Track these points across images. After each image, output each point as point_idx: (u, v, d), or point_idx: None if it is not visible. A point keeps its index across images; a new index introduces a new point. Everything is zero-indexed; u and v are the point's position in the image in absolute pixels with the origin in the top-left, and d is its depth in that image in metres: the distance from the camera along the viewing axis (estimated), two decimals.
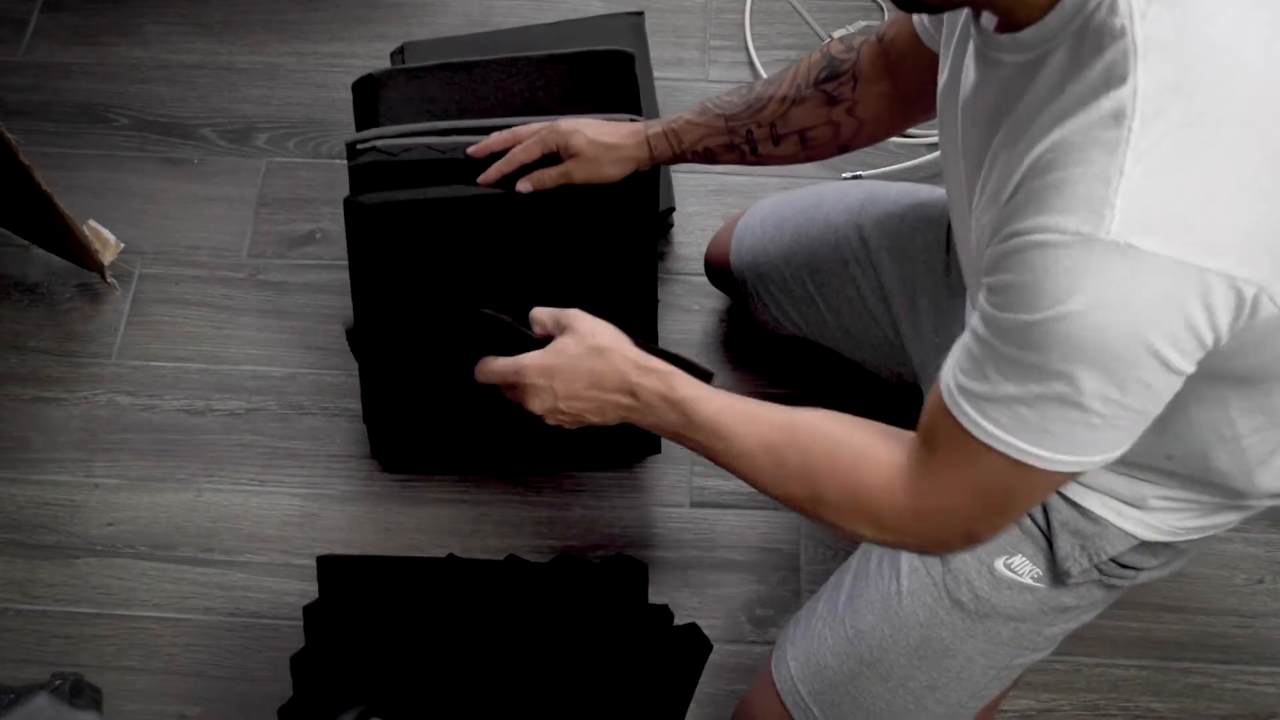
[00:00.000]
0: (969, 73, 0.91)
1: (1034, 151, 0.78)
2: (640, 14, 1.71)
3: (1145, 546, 1.08)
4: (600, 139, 1.20)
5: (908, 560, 1.14)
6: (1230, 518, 1.07)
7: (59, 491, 1.51)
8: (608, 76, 1.36)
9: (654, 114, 1.64)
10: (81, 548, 1.47)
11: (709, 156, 1.23)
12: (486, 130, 1.25)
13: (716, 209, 1.70)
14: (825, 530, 1.48)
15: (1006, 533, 1.07)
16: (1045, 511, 1.09)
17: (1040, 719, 1.38)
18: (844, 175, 1.70)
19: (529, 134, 1.21)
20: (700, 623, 1.25)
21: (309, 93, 1.81)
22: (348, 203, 1.24)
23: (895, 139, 1.71)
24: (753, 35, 1.85)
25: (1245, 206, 0.74)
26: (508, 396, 1.03)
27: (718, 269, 1.52)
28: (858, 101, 1.18)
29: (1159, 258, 0.73)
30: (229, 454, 1.53)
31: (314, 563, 1.24)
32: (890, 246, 1.31)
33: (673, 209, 1.64)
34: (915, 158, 1.74)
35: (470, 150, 1.23)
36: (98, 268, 1.62)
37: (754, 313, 1.49)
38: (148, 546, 1.48)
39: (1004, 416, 0.81)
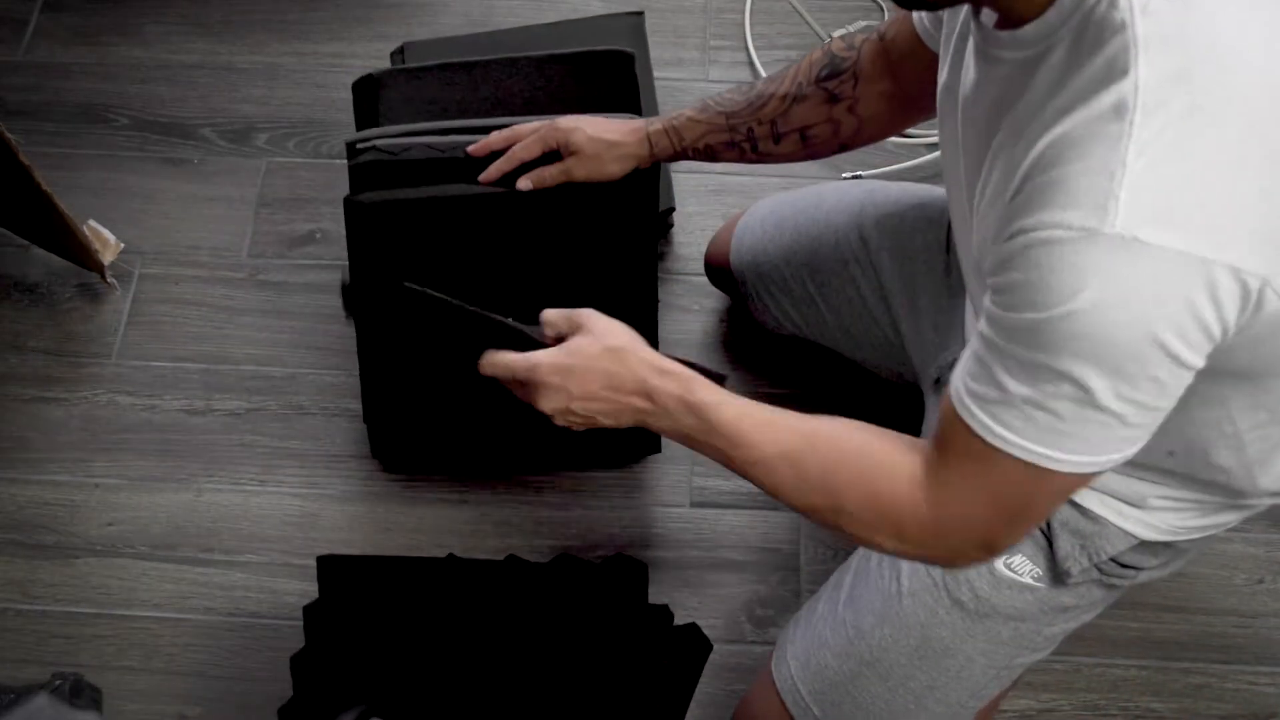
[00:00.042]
0: (969, 71, 0.91)
1: (1036, 148, 0.78)
2: (640, 14, 1.71)
3: (1145, 546, 1.08)
4: (601, 136, 1.20)
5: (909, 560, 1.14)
6: (1230, 517, 1.07)
7: (59, 491, 1.51)
8: (608, 76, 1.36)
9: (654, 114, 1.64)
10: (81, 548, 1.47)
11: (710, 154, 1.23)
12: (486, 129, 1.25)
13: (716, 209, 1.70)
14: (825, 530, 1.48)
15: None
16: None
17: (1040, 719, 1.38)
18: (844, 175, 1.70)
19: (529, 132, 1.21)
20: (700, 623, 1.25)
21: (309, 93, 1.82)
22: (348, 202, 1.24)
23: (895, 139, 1.71)
24: (753, 35, 1.85)
25: (1248, 198, 0.74)
26: (516, 394, 1.01)
27: (718, 269, 1.52)
28: (858, 100, 1.18)
29: (1165, 250, 0.72)
30: (229, 454, 1.53)
31: (314, 563, 1.24)
32: (890, 246, 1.31)
33: (673, 209, 1.64)
34: (915, 158, 1.74)
35: (470, 149, 1.23)
36: (98, 268, 1.62)
37: (754, 313, 1.49)
38: (148, 546, 1.48)
39: (1016, 420, 0.81)
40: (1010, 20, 0.82)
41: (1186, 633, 1.42)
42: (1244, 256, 0.73)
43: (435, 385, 1.39)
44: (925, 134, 1.74)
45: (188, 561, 1.47)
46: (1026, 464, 0.82)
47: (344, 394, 1.57)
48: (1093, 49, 0.76)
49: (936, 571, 1.12)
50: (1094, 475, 0.83)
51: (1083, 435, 0.80)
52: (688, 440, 0.96)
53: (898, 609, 1.13)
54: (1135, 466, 1.00)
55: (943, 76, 0.99)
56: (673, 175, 1.67)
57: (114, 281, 1.64)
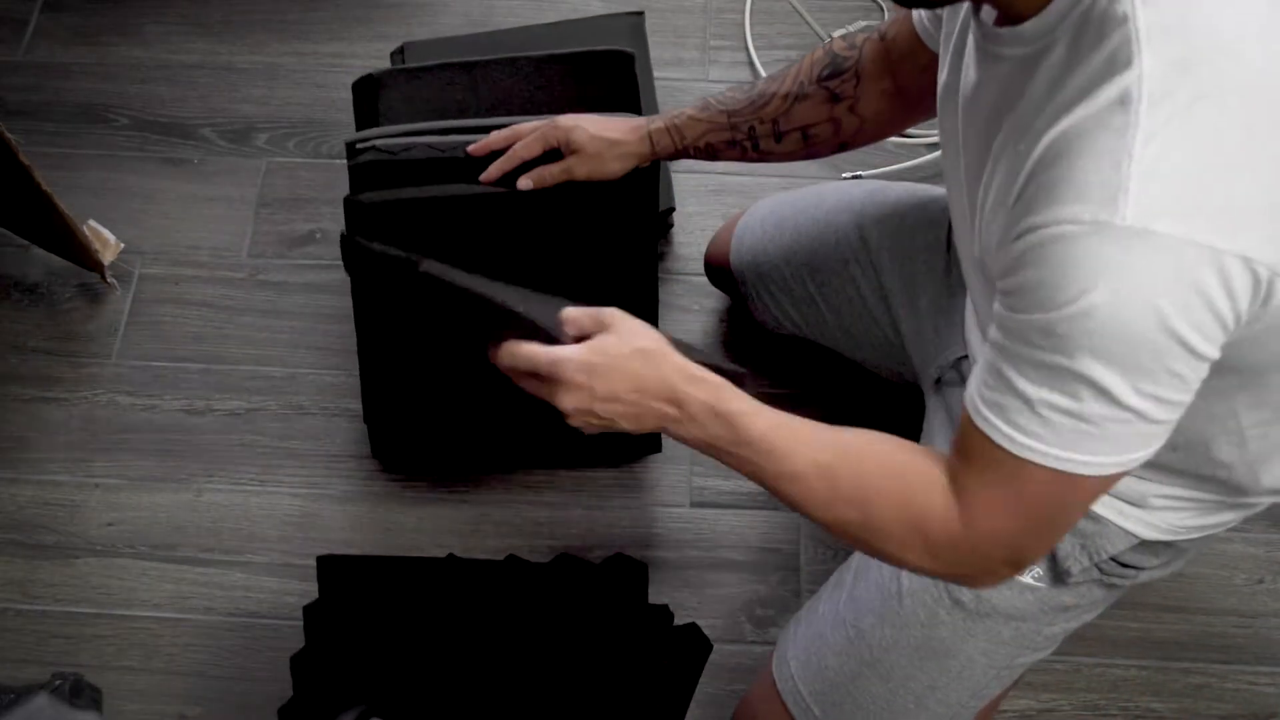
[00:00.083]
0: (969, 71, 0.91)
1: (1039, 146, 0.78)
2: (640, 14, 1.71)
3: (1146, 545, 1.08)
4: (602, 134, 1.20)
5: None
6: (1231, 516, 1.07)
7: (59, 491, 1.51)
8: (608, 76, 1.36)
9: (654, 114, 1.63)
10: (81, 548, 1.47)
11: (711, 152, 1.23)
12: (486, 129, 1.25)
13: (716, 209, 1.70)
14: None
15: None
16: None
17: (1040, 719, 1.38)
18: (844, 175, 1.70)
19: (529, 131, 1.21)
20: (700, 623, 1.25)
21: (309, 93, 1.82)
22: (347, 201, 1.24)
23: (895, 139, 1.71)
24: (753, 35, 1.85)
25: (1256, 188, 0.73)
26: (528, 389, 0.95)
27: (718, 269, 1.52)
28: (860, 99, 1.18)
29: (1178, 240, 0.72)
30: (229, 454, 1.53)
31: (314, 563, 1.24)
32: (891, 246, 1.31)
33: (673, 209, 1.64)
34: (915, 157, 1.74)
35: (470, 149, 1.23)
36: (98, 268, 1.62)
37: (754, 313, 1.49)
38: (148, 546, 1.48)
39: (1038, 426, 0.80)
40: (1010, 17, 0.82)
41: (1186, 633, 1.42)
42: (1255, 246, 0.73)
43: (435, 385, 1.39)
44: (925, 134, 1.74)
45: (188, 561, 1.47)
46: (1054, 471, 0.81)
47: (344, 394, 1.57)
48: (1094, 43, 0.76)
49: None
50: (1119, 477, 0.83)
51: (1106, 435, 0.79)
52: (712, 449, 0.92)
53: (898, 609, 1.13)
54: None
55: (942, 76, 0.99)
56: (673, 175, 1.67)
57: (114, 281, 1.64)
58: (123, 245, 1.65)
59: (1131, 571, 1.10)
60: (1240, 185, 0.73)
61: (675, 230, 1.69)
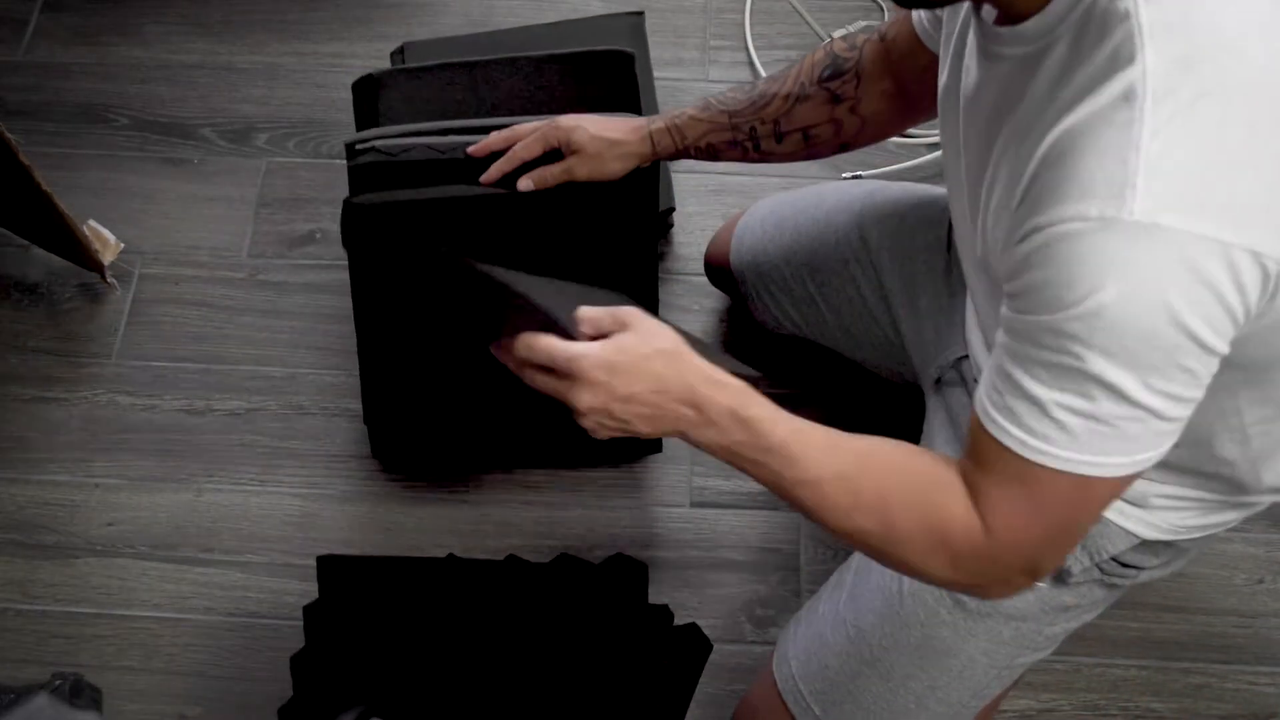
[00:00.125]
0: (970, 72, 0.91)
1: (1043, 145, 0.77)
2: (640, 14, 1.71)
3: (1146, 545, 1.08)
4: (603, 135, 1.20)
5: None
6: (1232, 516, 1.07)
7: (59, 491, 1.51)
8: (608, 76, 1.36)
9: (654, 114, 1.63)
10: (81, 548, 1.47)
11: (711, 153, 1.23)
12: (486, 130, 1.25)
13: (716, 209, 1.70)
14: (825, 530, 1.48)
15: None
16: None
17: (1040, 719, 1.38)
18: (844, 175, 1.70)
19: (529, 131, 1.21)
20: (700, 623, 1.25)
21: (309, 93, 1.82)
22: (346, 203, 1.24)
23: (895, 139, 1.71)
24: (753, 35, 1.85)
25: (1262, 182, 0.73)
26: (541, 384, 0.90)
27: (718, 269, 1.52)
28: (860, 100, 1.18)
29: (1187, 234, 0.72)
30: (229, 454, 1.53)
31: (314, 563, 1.24)
32: (891, 246, 1.31)
33: (673, 209, 1.64)
34: (915, 158, 1.74)
35: (470, 150, 1.23)
36: (98, 268, 1.62)
37: (754, 313, 1.49)
38: (148, 546, 1.48)
39: (1052, 430, 0.79)
40: (1010, 17, 0.82)
41: (1186, 633, 1.42)
42: (1263, 240, 0.73)
43: (435, 385, 1.39)
44: (925, 134, 1.74)
45: (188, 561, 1.46)
46: (1070, 475, 0.80)
47: (344, 394, 1.57)
48: (1096, 40, 0.76)
49: None
50: (1133, 479, 0.82)
51: (1121, 435, 0.78)
52: (729, 454, 0.89)
53: (899, 608, 1.13)
54: None
55: (943, 78, 0.99)
56: (673, 175, 1.67)
57: (114, 281, 1.64)
58: (123, 245, 1.65)
59: (1132, 571, 1.10)
60: (1245, 180, 0.73)
61: (675, 230, 1.69)
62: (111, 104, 1.80)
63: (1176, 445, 0.94)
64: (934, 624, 1.12)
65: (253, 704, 1.36)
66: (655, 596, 1.25)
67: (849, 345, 1.40)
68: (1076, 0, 0.77)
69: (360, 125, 1.37)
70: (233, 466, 1.53)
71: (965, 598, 1.11)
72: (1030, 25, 0.81)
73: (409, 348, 1.36)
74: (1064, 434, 0.79)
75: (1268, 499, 1.05)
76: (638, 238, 1.32)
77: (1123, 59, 0.74)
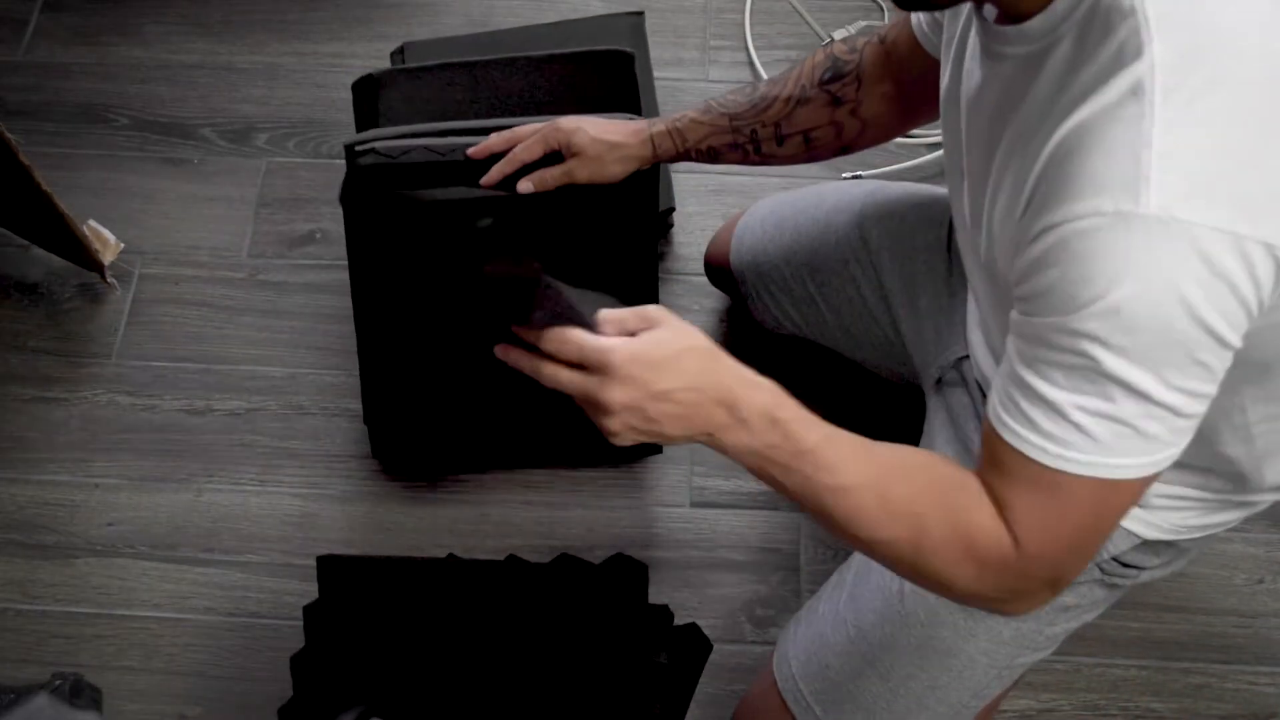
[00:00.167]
0: (972, 74, 0.91)
1: (1049, 145, 0.77)
2: (640, 14, 1.71)
3: (1147, 545, 1.08)
4: (603, 137, 1.19)
5: None
6: (1233, 516, 1.07)
7: (59, 491, 1.51)
8: (608, 76, 1.36)
9: (654, 114, 1.64)
10: (81, 548, 1.47)
11: (712, 155, 1.23)
12: (486, 130, 1.25)
13: (716, 209, 1.70)
14: (824, 529, 1.48)
15: None
16: None
17: (1040, 719, 1.38)
18: (844, 175, 1.70)
19: (529, 133, 1.21)
20: (700, 623, 1.25)
21: (309, 93, 1.82)
22: (346, 206, 1.24)
23: (895, 138, 1.71)
24: (753, 35, 1.85)
25: (1271, 177, 0.73)
26: (566, 382, 0.83)
27: (718, 269, 1.52)
28: (861, 102, 1.18)
29: (1202, 227, 0.71)
30: (229, 454, 1.53)
31: (314, 563, 1.24)
32: (891, 246, 1.31)
33: (673, 209, 1.64)
34: (915, 158, 1.74)
35: (470, 152, 1.23)
36: (98, 268, 1.62)
37: (754, 313, 1.49)
38: (148, 546, 1.48)
39: (1070, 433, 0.78)
40: (1012, 16, 0.82)
41: (1186, 633, 1.42)
42: (1275, 232, 0.72)
43: (436, 385, 1.39)
44: (925, 134, 1.74)
45: (188, 561, 1.47)
46: (1094, 480, 0.79)
47: (344, 394, 1.57)
48: (1101, 37, 0.76)
49: None
50: (1153, 479, 0.81)
51: (1141, 435, 0.77)
52: (760, 457, 0.84)
53: (899, 608, 1.13)
54: None
55: (945, 81, 0.99)
56: (673, 175, 1.67)
57: (114, 281, 1.64)
58: (123, 245, 1.65)
59: (1133, 571, 1.10)
60: (1256, 173, 0.73)
61: (675, 230, 1.69)
62: (111, 104, 1.80)
63: None
64: (934, 624, 1.12)
65: (253, 704, 1.37)
66: (655, 596, 1.25)
67: (849, 345, 1.40)
68: None
69: (360, 125, 1.37)
70: (233, 466, 1.53)
71: None
72: (1034, 24, 0.80)
73: (409, 348, 1.36)
74: (1085, 437, 0.78)
75: (1269, 498, 1.05)
76: (638, 238, 1.32)
77: (1129, 54, 0.74)
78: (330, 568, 1.23)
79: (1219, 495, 1.03)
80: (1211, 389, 0.78)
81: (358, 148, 1.25)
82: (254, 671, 1.39)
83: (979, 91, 0.90)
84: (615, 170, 1.21)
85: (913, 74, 1.15)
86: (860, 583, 1.18)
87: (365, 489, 1.51)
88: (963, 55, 0.93)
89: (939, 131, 1.04)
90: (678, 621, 1.23)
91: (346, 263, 1.31)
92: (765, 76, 1.79)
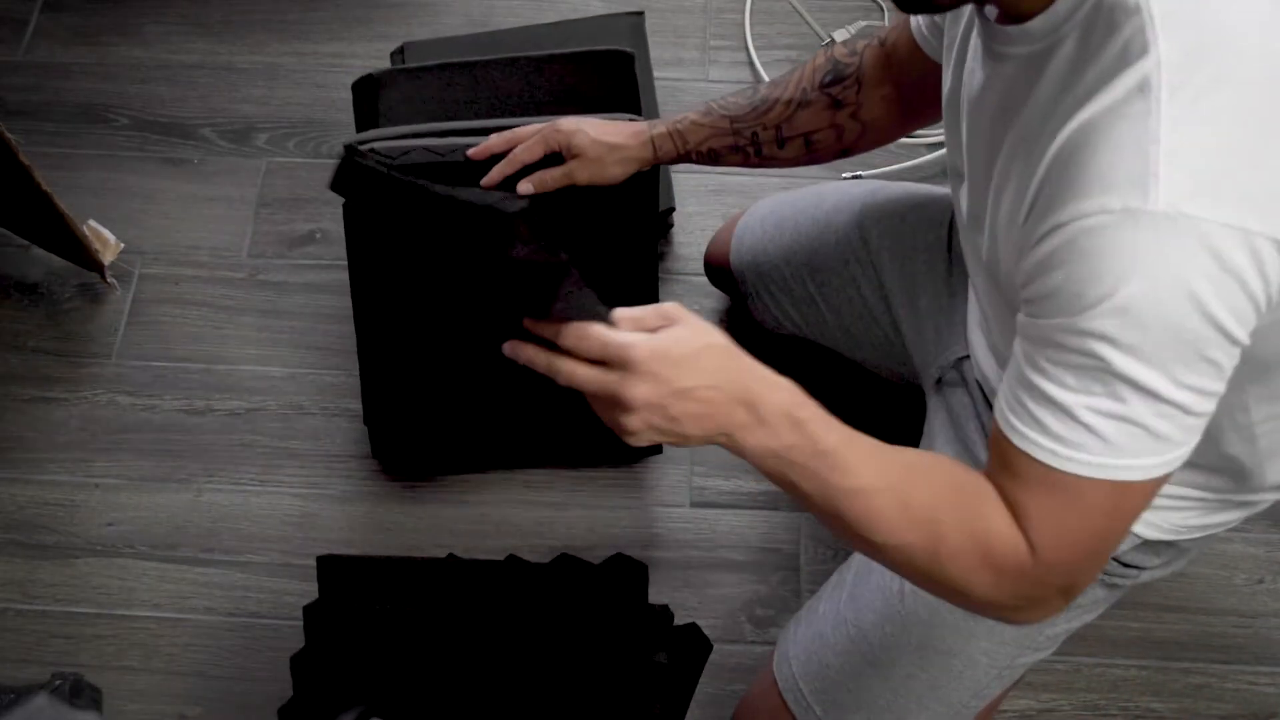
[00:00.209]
0: (974, 75, 0.91)
1: (1054, 146, 0.77)
2: (640, 14, 1.71)
3: (1148, 545, 1.08)
4: (604, 139, 1.19)
5: None
6: (1234, 515, 1.07)
7: (59, 491, 1.51)
8: (608, 76, 1.36)
9: (654, 114, 1.64)
10: (81, 548, 1.47)
11: (713, 157, 1.23)
12: (486, 131, 1.25)
13: (716, 209, 1.70)
14: (825, 529, 1.48)
15: None
16: None
17: (1040, 719, 1.38)
18: (844, 175, 1.70)
19: (529, 134, 1.21)
20: (700, 623, 1.25)
21: (309, 93, 1.82)
22: (346, 205, 1.24)
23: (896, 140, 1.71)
24: (753, 35, 1.85)
25: (1278, 170, 0.73)
26: (586, 380, 0.80)
27: (718, 269, 1.52)
28: (861, 105, 1.18)
29: (1211, 223, 0.71)
30: (229, 454, 1.53)
31: (314, 563, 1.24)
32: (891, 246, 1.31)
33: (673, 209, 1.64)
34: (915, 158, 1.74)
35: (470, 153, 1.23)
36: (98, 268, 1.62)
37: (754, 313, 1.49)
38: (148, 546, 1.48)
39: (1081, 435, 0.77)
40: (1014, 16, 0.82)
41: (1186, 633, 1.42)
42: None
43: (436, 385, 1.39)
44: (925, 134, 1.74)
45: (188, 561, 1.47)
46: (1108, 482, 0.78)
47: (344, 394, 1.57)
48: (1106, 35, 0.76)
49: None
50: (1165, 479, 0.80)
51: (1152, 435, 0.77)
52: (778, 459, 0.82)
53: (900, 608, 1.13)
54: None
55: (946, 84, 0.99)
56: (673, 175, 1.67)
57: (114, 281, 1.64)
58: (123, 245, 1.65)
59: (1133, 571, 1.10)
60: (1264, 169, 0.73)
61: (675, 230, 1.69)
62: (111, 104, 1.80)
63: None
64: (935, 624, 1.12)
65: (253, 704, 1.37)
66: (655, 596, 1.25)
67: (849, 345, 1.40)
68: None
69: (360, 125, 1.37)
70: (233, 466, 1.53)
71: None
72: (1036, 23, 0.80)
73: (409, 348, 1.36)
74: (1095, 439, 0.77)
75: (1270, 497, 1.05)
76: (638, 239, 1.32)
77: (1135, 51, 0.74)
78: (330, 568, 1.23)
79: (1220, 495, 1.03)
80: (1220, 387, 0.78)
81: (357, 148, 1.25)
82: (254, 671, 1.39)
83: (981, 93, 0.90)
84: (615, 172, 1.21)
85: (912, 77, 1.15)
86: (861, 582, 1.18)
87: (365, 489, 1.51)
88: (964, 57, 0.93)
89: (939, 131, 1.04)
90: (678, 621, 1.23)
91: (346, 263, 1.31)
92: (765, 76, 1.80)
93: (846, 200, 1.38)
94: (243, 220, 1.70)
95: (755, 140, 1.21)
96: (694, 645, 1.22)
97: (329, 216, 1.70)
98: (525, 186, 1.21)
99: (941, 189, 1.34)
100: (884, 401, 1.47)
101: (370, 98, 1.36)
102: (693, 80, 1.82)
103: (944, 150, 1.09)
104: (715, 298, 1.63)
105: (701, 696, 1.32)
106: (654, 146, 1.21)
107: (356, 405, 1.52)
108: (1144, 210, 0.71)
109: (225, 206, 1.72)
